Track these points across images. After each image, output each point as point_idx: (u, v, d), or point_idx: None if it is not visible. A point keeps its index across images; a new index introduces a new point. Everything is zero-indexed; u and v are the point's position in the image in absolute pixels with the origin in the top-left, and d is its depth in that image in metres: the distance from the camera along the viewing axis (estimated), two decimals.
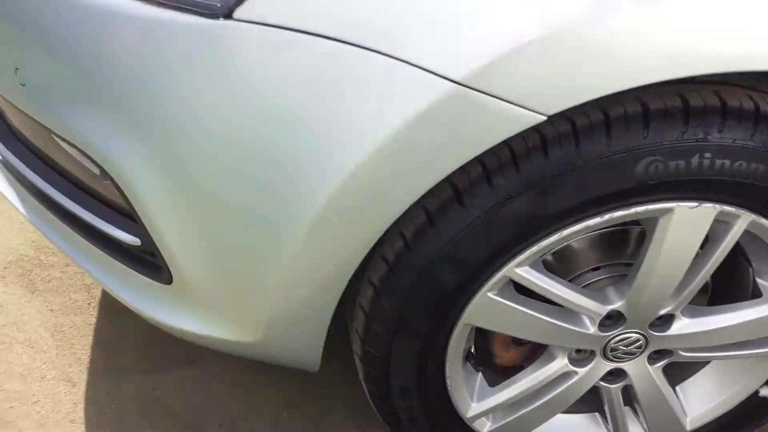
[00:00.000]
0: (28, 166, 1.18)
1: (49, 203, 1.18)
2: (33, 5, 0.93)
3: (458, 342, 1.08)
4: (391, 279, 0.99)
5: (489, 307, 1.02)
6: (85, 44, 0.91)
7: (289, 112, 0.84)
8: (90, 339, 1.54)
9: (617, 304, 1.08)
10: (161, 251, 1.03)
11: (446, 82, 0.78)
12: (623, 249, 1.14)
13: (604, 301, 1.08)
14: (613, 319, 1.10)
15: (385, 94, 0.79)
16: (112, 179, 0.99)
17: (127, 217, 1.08)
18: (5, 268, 1.68)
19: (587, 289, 1.11)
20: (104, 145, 0.96)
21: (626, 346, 1.14)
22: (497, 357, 1.19)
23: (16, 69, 1.01)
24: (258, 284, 1.00)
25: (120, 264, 1.13)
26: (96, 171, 1.10)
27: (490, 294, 1.01)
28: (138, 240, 1.05)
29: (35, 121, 1.09)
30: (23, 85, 1.01)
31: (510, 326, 1.08)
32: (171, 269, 1.04)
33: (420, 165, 0.84)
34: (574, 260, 1.13)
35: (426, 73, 0.78)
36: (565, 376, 1.17)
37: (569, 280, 1.12)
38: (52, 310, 1.59)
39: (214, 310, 1.08)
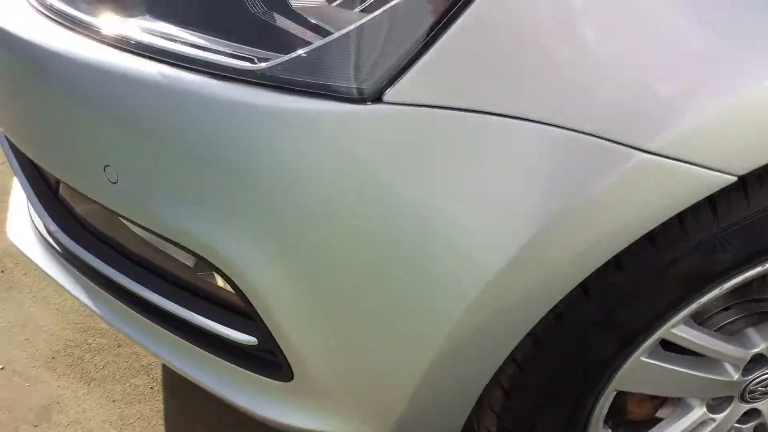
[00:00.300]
0: (108, 264, 1.07)
1: (132, 299, 1.08)
2: (132, 96, 0.84)
3: (602, 408, 1.01)
4: (539, 355, 0.92)
5: (641, 370, 0.96)
6: (199, 138, 0.81)
7: (444, 195, 0.76)
8: (161, 428, 1.44)
9: (762, 347, 1.02)
10: (284, 351, 0.94)
11: (634, 151, 0.71)
12: (750, 285, 1.09)
13: (748, 345, 1.03)
14: (754, 362, 1.05)
15: (564, 168, 0.72)
16: (232, 282, 0.89)
17: (236, 313, 0.99)
18: (53, 358, 1.57)
19: (722, 333, 1.06)
20: (220, 245, 0.87)
21: (765, 386, 1.09)
22: (631, 413, 1.12)
23: (106, 166, 0.91)
24: (397, 379, 0.91)
25: (224, 361, 1.04)
26: (189, 263, 1.02)
27: (642, 357, 0.95)
28: (254, 339, 0.96)
29: (114, 215, 1.00)
30: (114, 182, 0.91)
31: (658, 386, 1.01)
32: (293, 367, 0.96)
33: (594, 241, 0.77)
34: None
35: (610, 143, 0.71)
36: (703, 424, 1.11)
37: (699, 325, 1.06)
38: (114, 400, 1.48)
39: (340, 407, 0.99)
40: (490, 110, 0.71)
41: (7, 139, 1.20)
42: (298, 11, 0.80)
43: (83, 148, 0.92)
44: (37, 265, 1.26)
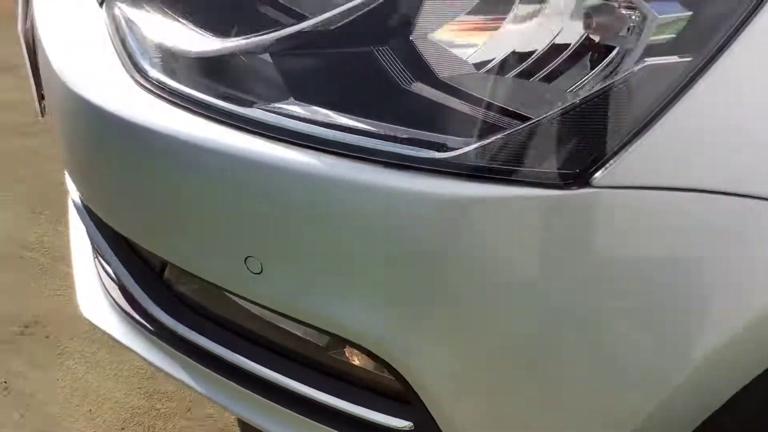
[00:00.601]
0: (224, 346, 1.00)
1: (255, 382, 1.01)
2: (288, 186, 0.77)
3: None
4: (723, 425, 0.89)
5: None
6: (368, 228, 0.75)
7: (664, 274, 0.70)
8: None
9: None
10: None
11: None
12: None
13: None
14: None
15: None
16: (393, 369, 0.84)
17: (380, 394, 0.93)
18: (122, 429, 1.48)
19: None
20: (382, 333, 0.81)
21: None
22: None
23: (248, 257, 0.84)
24: None
25: None
26: (321, 343, 0.96)
27: None
28: (410, 424, 0.90)
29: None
30: (257, 273, 0.84)
31: None
32: None
33: None
34: None
35: None
36: None
37: None
38: None
39: None
40: (716, 189, 0.66)
41: (91, 218, 1.12)
42: (454, 84, 0.74)
43: (222, 240, 0.85)
44: (125, 345, 1.18)
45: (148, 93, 0.85)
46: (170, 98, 0.83)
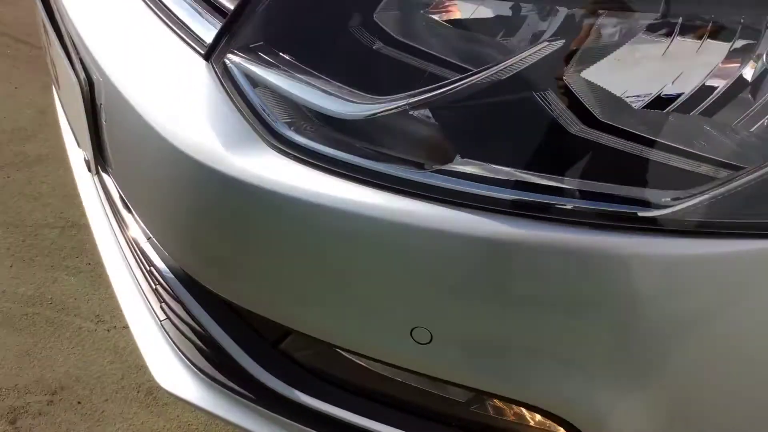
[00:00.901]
0: (357, 413, 0.94)
1: None
2: (468, 252, 0.72)
3: None
4: None
5: None
6: (568, 292, 0.71)
7: None
8: None
9: None
10: None
11: None
12: None
13: None
14: None
15: None
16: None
17: None
18: None
19: None
20: (571, 397, 0.78)
21: None
22: None
23: (414, 328, 0.78)
24: None
25: None
26: (461, 399, 0.92)
27: None
28: None
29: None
30: (426, 343, 0.79)
31: None
32: None
33: None
34: None
35: None
36: None
37: None
38: None
39: None
40: None
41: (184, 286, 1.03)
42: (655, 136, 0.70)
43: (386, 313, 0.79)
44: (217, 416, 1.09)
45: (294, 161, 0.78)
46: (326, 165, 0.76)
